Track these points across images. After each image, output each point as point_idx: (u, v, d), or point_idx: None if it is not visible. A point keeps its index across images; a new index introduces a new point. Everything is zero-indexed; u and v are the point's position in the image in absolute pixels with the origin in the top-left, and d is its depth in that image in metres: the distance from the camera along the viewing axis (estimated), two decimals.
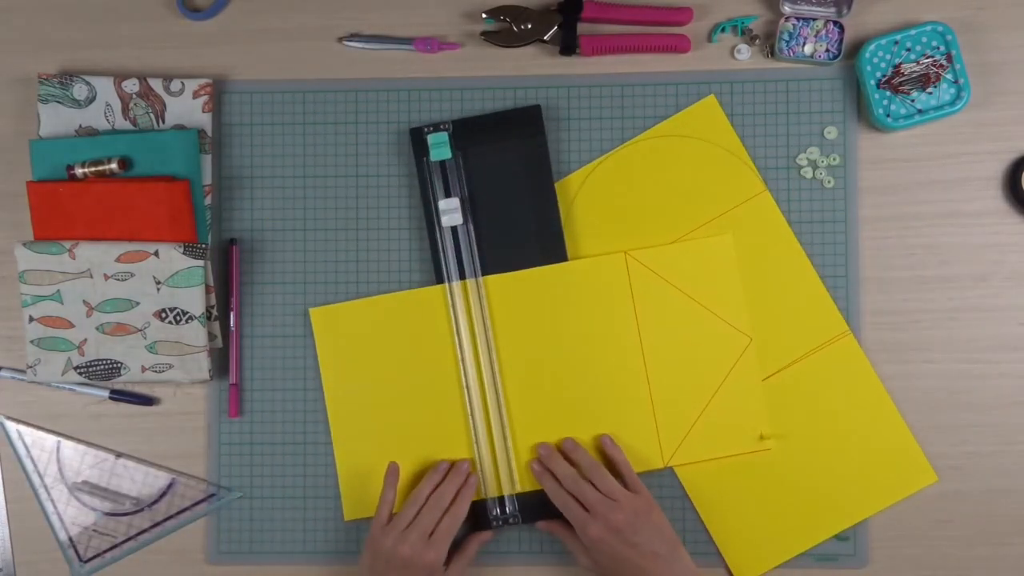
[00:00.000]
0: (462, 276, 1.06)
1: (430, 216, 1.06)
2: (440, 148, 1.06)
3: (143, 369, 1.06)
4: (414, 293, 1.06)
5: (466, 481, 1.03)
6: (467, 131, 1.06)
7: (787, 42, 1.05)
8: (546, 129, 1.06)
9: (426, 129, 1.06)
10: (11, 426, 1.09)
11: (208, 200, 1.07)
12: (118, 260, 1.05)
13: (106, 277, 1.05)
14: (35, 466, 1.09)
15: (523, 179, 1.06)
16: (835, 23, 1.05)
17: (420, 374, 1.06)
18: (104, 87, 1.07)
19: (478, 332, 1.05)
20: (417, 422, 1.06)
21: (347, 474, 1.06)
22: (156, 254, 1.04)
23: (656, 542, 0.97)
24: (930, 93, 1.04)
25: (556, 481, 1.02)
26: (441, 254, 1.06)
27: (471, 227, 1.06)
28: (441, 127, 1.06)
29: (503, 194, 1.06)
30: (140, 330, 1.06)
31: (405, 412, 1.06)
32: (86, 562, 1.08)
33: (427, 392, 1.06)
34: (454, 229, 1.06)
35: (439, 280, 1.06)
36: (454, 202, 1.05)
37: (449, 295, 1.05)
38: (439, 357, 1.06)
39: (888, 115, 1.04)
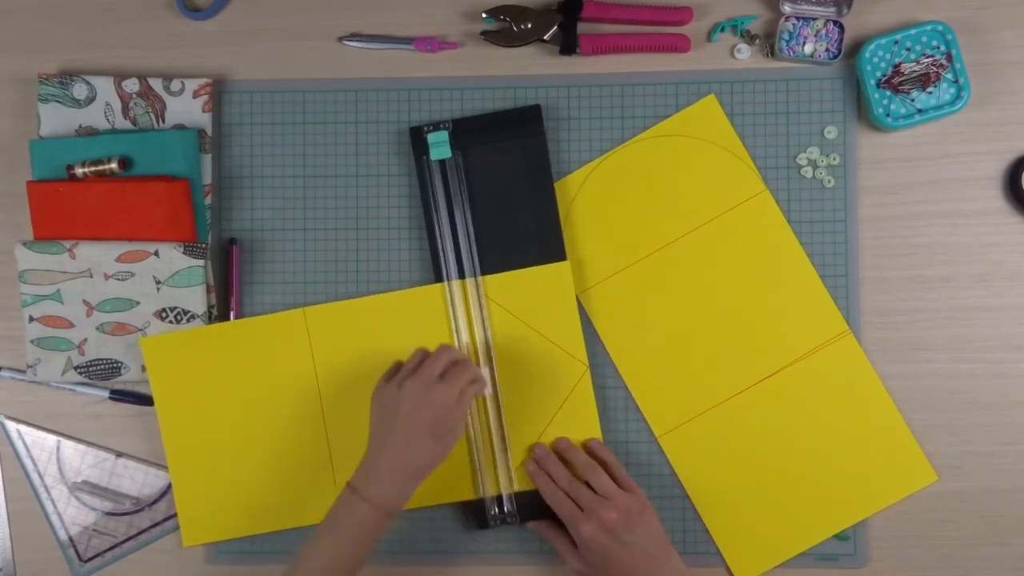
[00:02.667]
0: (461, 275, 1.06)
1: (430, 216, 1.06)
2: (440, 147, 1.06)
3: (143, 369, 1.06)
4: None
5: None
6: (467, 130, 1.06)
7: (787, 42, 1.05)
8: (546, 129, 1.06)
9: (426, 128, 1.06)
10: (11, 426, 1.09)
11: (208, 200, 1.07)
12: (118, 260, 1.05)
13: (106, 277, 1.05)
14: (35, 466, 1.09)
15: (523, 179, 1.06)
16: (835, 23, 1.05)
17: None
18: (104, 87, 1.07)
19: (476, 331, 1.05)
20: None
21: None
22: (156, 254, 1.04)
23: (648, 542, 0.97)
24: (930, 93, 1.04)
25: (551, 480, 1.02)
26: (441, 254, 1.06)
27: (471, 226, 1.06)
28: (441, 126, 1.06)
29: (503, 194, 1.06)
30: (140, 330, 1.06)
31: None
32: (86, 562, 1.08)
33: None
34: (453, 225, 1.05)
35: (438, 279, 1.06)
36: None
37: (448, 294, 1.05)
38: None
39: (888, 115, 1.04)
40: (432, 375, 0.96)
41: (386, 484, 0.93)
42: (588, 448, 1.04)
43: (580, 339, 1.05)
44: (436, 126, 1.06)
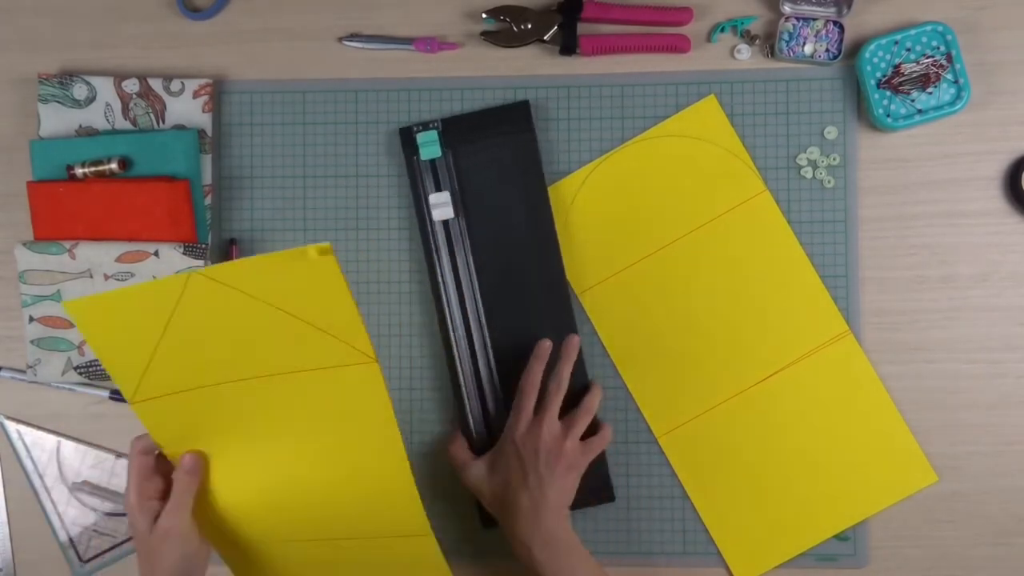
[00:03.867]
0: (455, 272, 1.05)
1: (421, 215, 1.06)
2: (429, 147, 1.06)
3: None
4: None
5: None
6: (457, 129, 1.06)
7: (787, 42, 1.05)
8: (547, 129, 1.06)
9: (415, 128, 1.06)
10: (11, 426, 1.09)
11: (208, 200, 1.07)
12: (118, 260, 1.05)
13: (106, 277, 1.05)
14: (35, 466, 1.09)
15: (513, 175, 1.05)
16: (835, 23, 1.05)
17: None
18: (104, 87, 1.07)
19: (475, 331, 1.05)
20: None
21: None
22: (156, 254, 1.04)
23: (551, 492, 0.96)
24: (930, 93, 1.04)
25: (541, 368, 1.01)
26: (434, 252, 1.05)
27: (463, 223, 1.06)
28: (430, 125, 1.06)
29: (494, 191, 1.06)
30: None
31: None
32: (86, 562, 1.08)
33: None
34: (446, 225, 1.06)
35: (432, 279, 1.05)
36: (444, 196, 1.05)
37: (443, 292, 1.05)
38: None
39: (888, 115, 1.04)
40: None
41: None
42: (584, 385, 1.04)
43: None
44: (425, 126, 1.06)
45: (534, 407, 0.99)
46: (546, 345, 1.02)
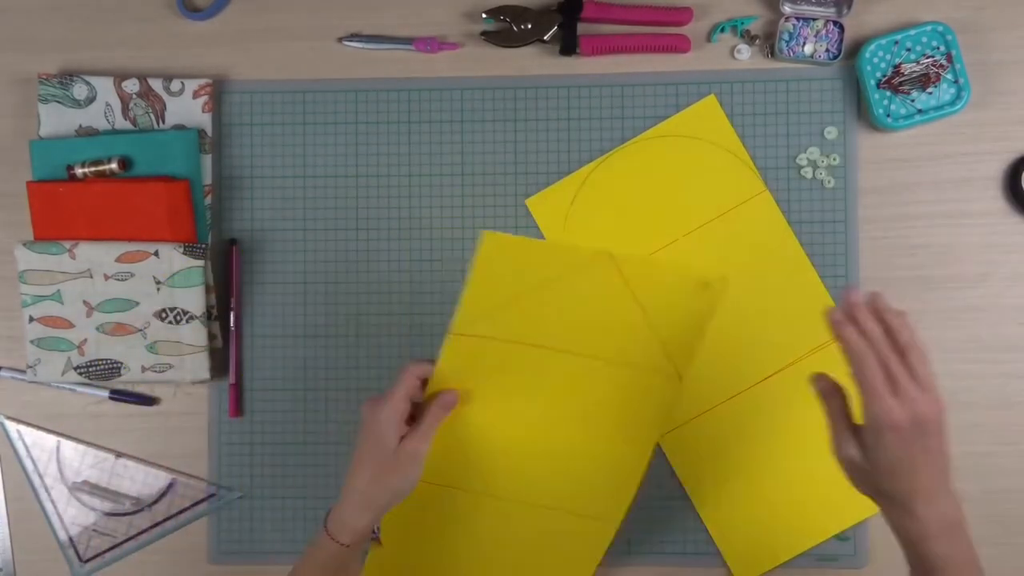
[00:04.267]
0: None
1: None
2: None
3: (143, 369, 1.06)
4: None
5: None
6: None
7: (787, 42, 1.05)
8: (546, 129, 1.07)
9: None
10: (11, 426, 1.09)
11: (208, 200, 1.07)
12: (118, 260, 1.05)
13: (106, 277, 1.05)
14: (35, 466, 1.09)
15: None
16: (835, 23, 1.05)
17: None
18: (104, 87, 1.07)
19: None
20: None
21: None
22: (156, 254, 1.04)
23: (941, 459, 0.80)
24: (930, 93, 1.04)
25: (863, 337, 0.79)
26: None
27: None
28: None
29: None
30: (140, 330, 1.06)
31: None
32: (86, 562, 1.09)
33: None
34: None
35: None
36: None
37: None
38: None
39: (888, 115, 1.04)
40: (388, 393, 0.90)
41: (341, 516, 0.90)
42: (894, 326, 0.81)
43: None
44: None
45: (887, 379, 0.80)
46: (855, 299, 0.81)
